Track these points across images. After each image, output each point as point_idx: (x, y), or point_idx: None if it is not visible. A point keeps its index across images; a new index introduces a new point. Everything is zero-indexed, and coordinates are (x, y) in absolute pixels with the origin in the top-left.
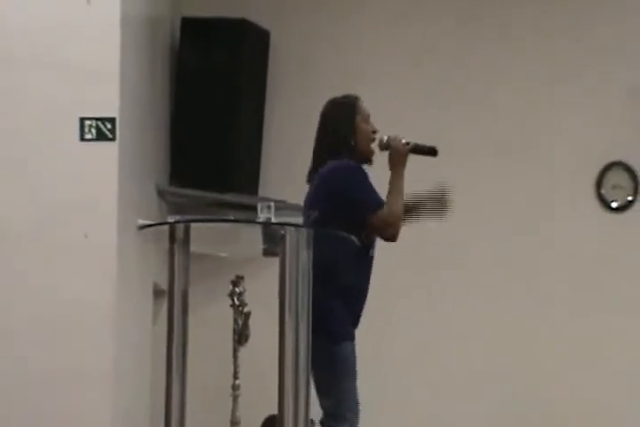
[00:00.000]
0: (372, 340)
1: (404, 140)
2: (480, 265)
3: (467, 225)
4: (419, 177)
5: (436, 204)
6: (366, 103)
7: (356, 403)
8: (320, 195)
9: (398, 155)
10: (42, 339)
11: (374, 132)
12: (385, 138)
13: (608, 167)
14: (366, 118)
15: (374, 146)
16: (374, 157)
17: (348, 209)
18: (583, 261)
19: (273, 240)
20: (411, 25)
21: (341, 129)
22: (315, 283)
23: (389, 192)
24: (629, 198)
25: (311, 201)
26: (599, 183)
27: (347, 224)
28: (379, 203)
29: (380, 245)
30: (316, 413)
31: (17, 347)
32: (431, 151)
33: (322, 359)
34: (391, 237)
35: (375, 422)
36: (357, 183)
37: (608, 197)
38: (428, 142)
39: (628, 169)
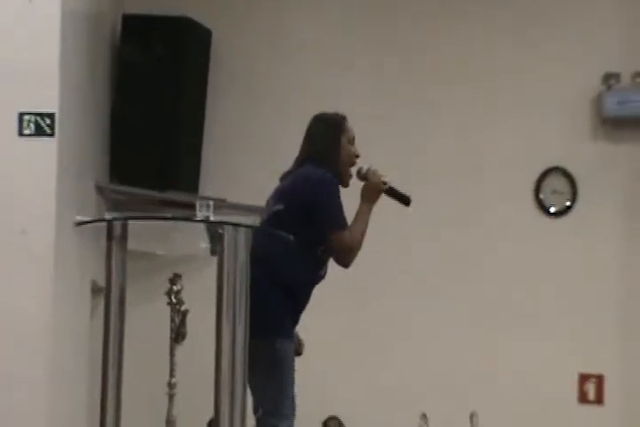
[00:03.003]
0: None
1: (383, 178)
2: (419, 269)
3: (404, 228)
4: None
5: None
6: (308, 107)
7: (293, 399)
8: (291, 192)
9: (373, 190)
10: None
11: (357, 156)
12: (365, 168)
13: (547, 173)
14: (351, 140)
15: (353, 170)
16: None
17: (313, 217)
18: (522, 266)
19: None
20: (356, 26)
21: (327, 144)
22: (257, 279)
23: (355, 220)
24: (567, 204)
25: (280, 194)
26: (538, 188)
27: (305, 229)
28: (344, 223)
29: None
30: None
31: None
32: (404, 200)
33: (260, 356)
34: (348, 262)
35: None
36: (331, 197)
37: (547, 202)
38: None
39: (567, 174)
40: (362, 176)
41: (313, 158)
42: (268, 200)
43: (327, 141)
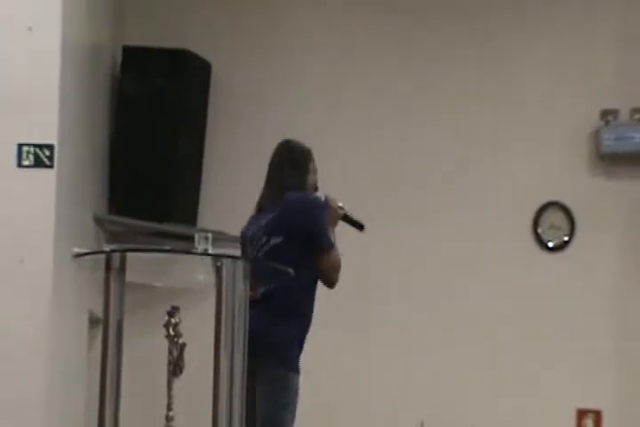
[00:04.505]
0: None
1: (340, 204)
2: (418, 303)
3: (405, 263)
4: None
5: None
6: (305, 139)
7: None
8: (285, 222)
9: (332, 216)
10: None
11: (316, 188)
12: (323, 196)
13: (545, 207)
14: (315, 170)
15: None
16: None
17: (309, 241)
18: (520, 300)
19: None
20: (352, 59)
21: (301, 172)
22: (277, 312)
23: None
24: (565, 238)
25: (274, 227)
26: (536, 223)
27: (304, 258)
28: (333, 243)
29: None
30: None
31: None
32: (359, 226)
33: (276, 386)
34: (335, 281)
35: None
36: (323, 220)
37: (545, 236)
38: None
39: (565, 209)
40: None
41: (293, 185)
42: (255, 233)
43: (301, 169)
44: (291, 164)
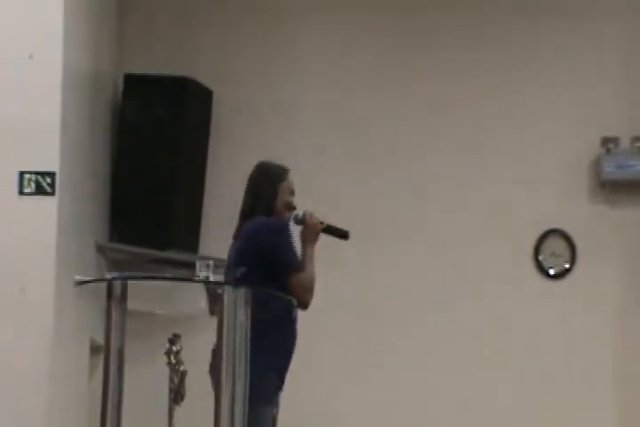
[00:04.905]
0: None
1: (319, 219)
2: (420, 331)
3: (405, 291)
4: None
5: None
6: (308, 164)
7: None
8: (246, 251)
9: (311, 233)
10: None
11: (293, 207)
12: (301, 214)
13: (546, 235)
14: (291, 191)
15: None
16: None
17: (272, 268)
18: (520, 327)
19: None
20: (354, 84)
21: (265, 194)
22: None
23: (303, 261)
24: (566, 266)
25: (236, 257)
26: (537, 250)
27: (271, 282)
28: (299, 265)
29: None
30: None
31: None
32: (343, 235)
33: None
34: (307, 302)
35: None
36: (281, 243)
37: (546, 264)
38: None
39: (566, 237)
40: (299, 221)
41: (255, 210)
42: (227, 265)
43: (266, 192)
44: (254, 189)
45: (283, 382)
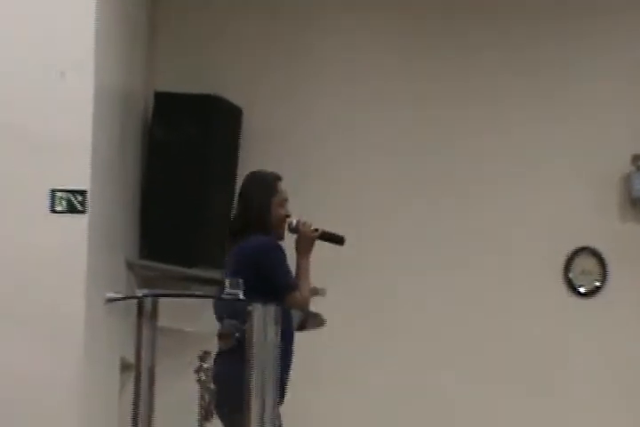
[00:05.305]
0: None
1: (312, 227)
2: (447, 348)
3: (434, 309)
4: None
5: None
6: (340, 179)
7: None
8: (241, 270)
9: (306, 240)
10: (5, 414)
11: (287, 216)
12: (294, 222)
13: (576, 252)
14: (282, 202)
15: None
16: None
17: (267, 288)
18: (550, 345)
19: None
20: (386, 104)
21: (260, 211)
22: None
23: (298, 276)
24: (597, 284)
25: (232, 276)
26: (567, 268)
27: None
28: (294, 284)
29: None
30: None
31: None
32: (339, 240)
33: None
34: (304, 321)
35: None
36: (277, 264)
37: (576, 282)
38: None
39: (596, 254)
40: (293, 229)
41: (248, 227)
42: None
43: (259, 209)
44: (245, 205)
45: (283, 396)
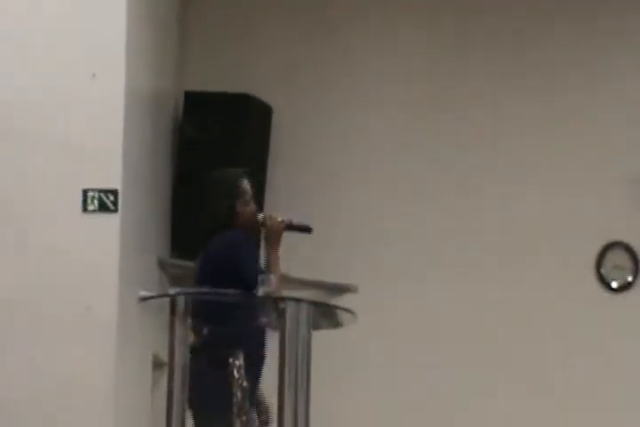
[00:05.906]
0: None
1: (279, 218)
2: (482, 345)
3: (467, 306)
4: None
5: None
6: (369, 180)
7: None
8: (207, 270)
9: (274, 233)
10: (41, 412)
11: (257, 212)
12: (261, 216)
13: (608, 247)
14: (247, 201)
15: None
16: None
17: (235, 285)
18: (582, 341)
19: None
20: (414, 108)
21: (226, 215)
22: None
23: (268, 268)
24: (629, 279)
25: (199, 276)
26: (599, 263)
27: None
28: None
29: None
30: None
31: (17, 421)
32: (305, 229)
33: None
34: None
35: None
36: (241, 259)
37: (608, 276)
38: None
39: (629, 249)
40: (261, 224)
41: (223, 229)
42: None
43: (225, 216)
44: (212, 210)
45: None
